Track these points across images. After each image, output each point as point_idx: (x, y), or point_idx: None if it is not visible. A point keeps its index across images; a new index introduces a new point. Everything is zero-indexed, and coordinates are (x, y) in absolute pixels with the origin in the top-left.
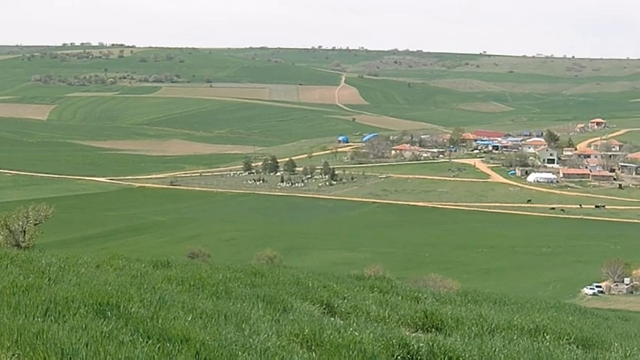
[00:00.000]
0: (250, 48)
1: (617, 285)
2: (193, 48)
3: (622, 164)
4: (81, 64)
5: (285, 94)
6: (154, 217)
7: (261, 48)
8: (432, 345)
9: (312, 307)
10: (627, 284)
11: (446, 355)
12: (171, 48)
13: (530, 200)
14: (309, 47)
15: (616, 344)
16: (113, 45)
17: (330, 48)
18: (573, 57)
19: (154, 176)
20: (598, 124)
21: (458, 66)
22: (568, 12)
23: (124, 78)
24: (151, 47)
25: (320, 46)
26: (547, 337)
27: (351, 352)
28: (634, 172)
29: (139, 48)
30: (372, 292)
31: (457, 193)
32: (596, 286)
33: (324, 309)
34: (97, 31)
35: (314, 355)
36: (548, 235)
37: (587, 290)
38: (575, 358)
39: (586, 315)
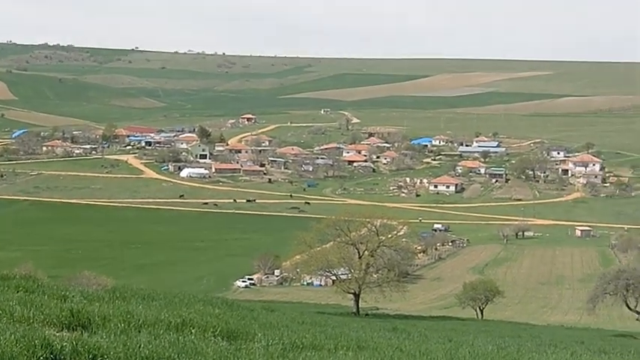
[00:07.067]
0: None
1: (267, 277)
2: None
3: (271, 159)
4: None
5: None
6: None
7: None
8: (76, 344)
9: None
10: (277, 276)
11: (90, 353)
12: None
13: (182, 195)
14: None
15: (259, 334)
16: None
17: None
18: (224, 54)
19: None
20: (248, 119)
21: (110, 62)
22: (217, 8)
23: None
24: None
25: None
26: (193, 331)
27: None
28: (282, 167)
29: None
30: (17, 292)
31: (110, 190)
32: (248, 279)
33: None
34: None
35: None
36: (202, 229)
37: (239, 283)
38: (220, 350)
39: (233, 307)
